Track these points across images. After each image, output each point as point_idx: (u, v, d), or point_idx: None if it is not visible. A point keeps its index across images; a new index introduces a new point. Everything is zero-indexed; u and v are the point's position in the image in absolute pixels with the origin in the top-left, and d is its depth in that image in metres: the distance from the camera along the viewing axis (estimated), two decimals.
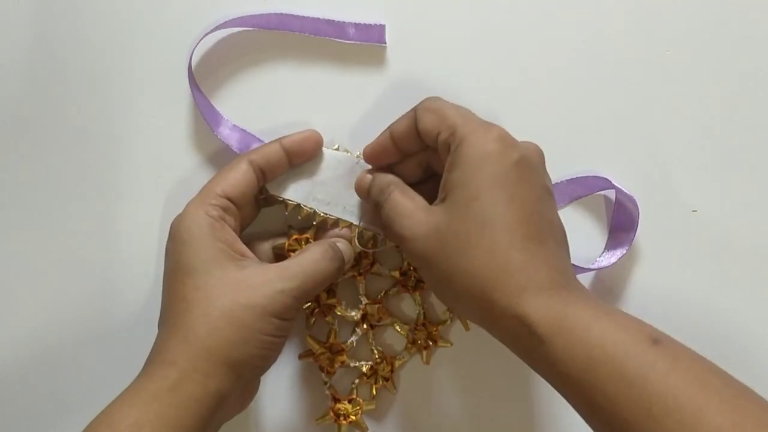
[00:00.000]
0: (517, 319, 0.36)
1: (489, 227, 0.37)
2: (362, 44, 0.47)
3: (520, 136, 0.40)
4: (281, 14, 0.47)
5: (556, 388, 0.36)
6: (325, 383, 0.48)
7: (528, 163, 0.39)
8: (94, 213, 0.48)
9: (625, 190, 0.47)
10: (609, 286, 0.49)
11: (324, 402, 0.48)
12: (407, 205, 0.40)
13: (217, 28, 0.47)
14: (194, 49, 0.47)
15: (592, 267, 0.47)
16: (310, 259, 0.42)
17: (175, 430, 0.37)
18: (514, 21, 0.48)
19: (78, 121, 0.48)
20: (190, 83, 0.47)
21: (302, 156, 0.44)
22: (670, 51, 0.48)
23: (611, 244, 0.48)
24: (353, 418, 0.47)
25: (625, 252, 0.47)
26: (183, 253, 0.40)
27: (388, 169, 0.44)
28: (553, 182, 0.47)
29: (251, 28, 0.47)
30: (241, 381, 0.40)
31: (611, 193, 0.48)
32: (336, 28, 0.47)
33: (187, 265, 0.40)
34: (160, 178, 0.48)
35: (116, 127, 0.48)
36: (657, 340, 0.34)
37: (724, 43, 0.48)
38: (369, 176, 0.43)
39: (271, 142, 0.44)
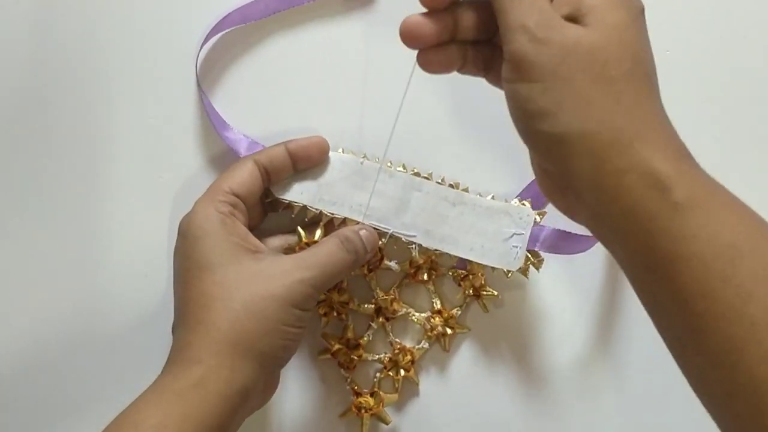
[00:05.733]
0: (652, 177, 0.30)
1: (642, 65, 0.32)
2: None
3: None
4: None
5: (646, 276, 0.31)
6: (346, 379, 0.47)
7: (644, 18, 0.33)
8: (94, 213, 0.48)
9: None
10: (609, 285, 0.48)
11: (347, 398, 0.48)
12: None
13: (219, 28, 0.46)
14: (199, 53, 0.46)
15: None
16: (327, 251, 0.42)
17: (200, 428, 0.36)
18: None
19: (78, 121, 0.48)
20: (198, 89, 0.47)
21: (307, 161, 0.44)
22: (670, 51, 0.48)
23: None
24: (375, 410, 0.47)
25: None
26: (197, 249, 0.40)
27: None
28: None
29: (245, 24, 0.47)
30: (264, 374, 0.40)
31: None
32: None
33: (203, 260, 0.40)
34: (161, 178, 0.48)
35: (116, 127, 0.48)
36: None
37: (724, 43, 0.48)
38: None
39: (276, 145, 0.44)
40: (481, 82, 0.37)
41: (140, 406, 0.37)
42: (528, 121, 0.32)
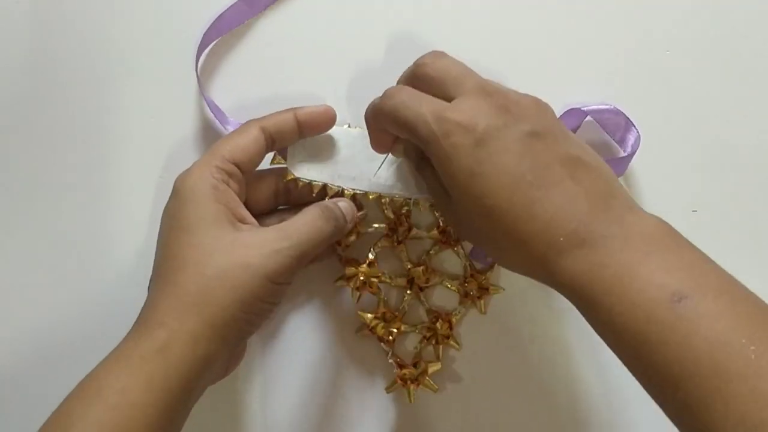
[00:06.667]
0: (552, 281, 0.37)
1: (498, 193, 0.36)
2: None
3: None
4: None
5: None
6: (387, 353, 0.47)
7: (493, 129, 0.37)
8: (93, 212, 0.48)
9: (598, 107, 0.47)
10: None
11: (391, 372, 0.48)
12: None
13: (216, 31, 0.46)
14: (198, 59, 0.47)
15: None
16: (307, 220, 0.41)
17: (162, 394, 0.36)
18: None
19: (77, 120, 0.48)
20: (199, 86, 0.47)
21: (314, 129, 0.44)
22: (670, 50, 0.48)
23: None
24: (420, 380, 0.47)
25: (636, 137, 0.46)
26: (182, 210, 0.40)
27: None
28: None
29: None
30: (226, 345, 0.39)
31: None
32: None
33: (185, 222, 0.40)
34: (160, 178, 0.48)
35: (116, 127, 0.48)
36: (682, 296, 0.33)
37: (724, 43, 0.48)
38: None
39: (284, 111, 0.44)
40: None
41: (105, 369, 0.37)
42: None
